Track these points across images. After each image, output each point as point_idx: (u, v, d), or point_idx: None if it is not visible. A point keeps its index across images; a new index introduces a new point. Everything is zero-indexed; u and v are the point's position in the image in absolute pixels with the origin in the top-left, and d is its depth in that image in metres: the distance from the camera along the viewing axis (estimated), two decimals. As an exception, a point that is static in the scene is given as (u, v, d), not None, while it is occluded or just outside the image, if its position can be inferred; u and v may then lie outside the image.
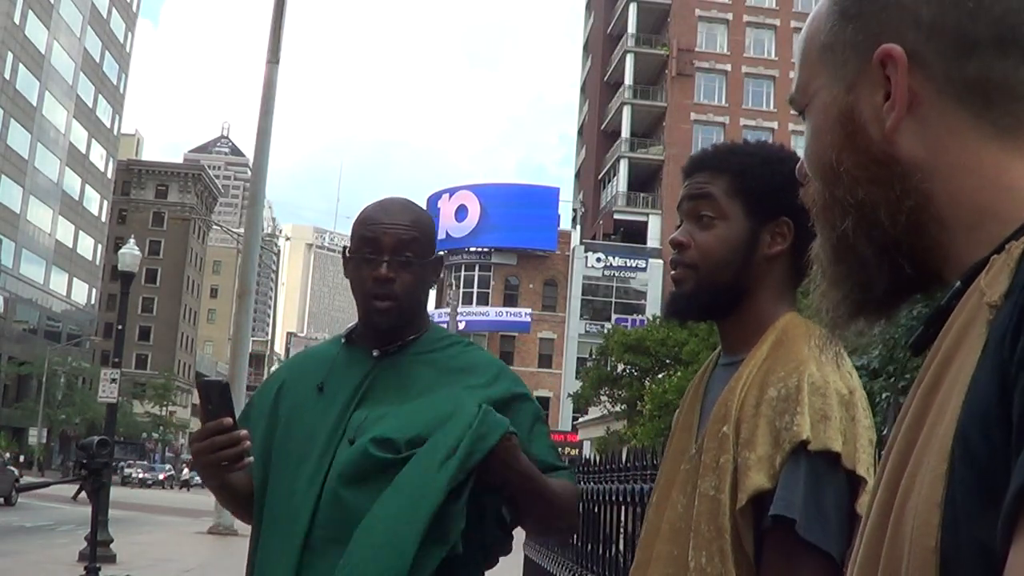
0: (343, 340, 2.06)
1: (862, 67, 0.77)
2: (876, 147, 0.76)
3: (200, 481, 2.21)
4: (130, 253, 16.61)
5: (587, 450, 38.28)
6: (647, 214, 55.66)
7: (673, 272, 1.62)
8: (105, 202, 78.89)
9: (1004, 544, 0.57)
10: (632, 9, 58.14)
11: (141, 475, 54.41)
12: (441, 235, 59.06)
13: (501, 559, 2.06)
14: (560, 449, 2.53)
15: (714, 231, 1.59)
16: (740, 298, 1.58)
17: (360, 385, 1.99)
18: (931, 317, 0.74)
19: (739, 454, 1.44)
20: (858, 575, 0.70)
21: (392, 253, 1.91)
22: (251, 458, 1.91)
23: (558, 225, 57.12)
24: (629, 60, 57.98)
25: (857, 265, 0.79)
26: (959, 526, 0.60)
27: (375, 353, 2.01)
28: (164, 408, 76.56)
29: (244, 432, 1.90)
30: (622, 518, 2.95)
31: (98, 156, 76.57)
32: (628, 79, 57.74)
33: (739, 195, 1.58)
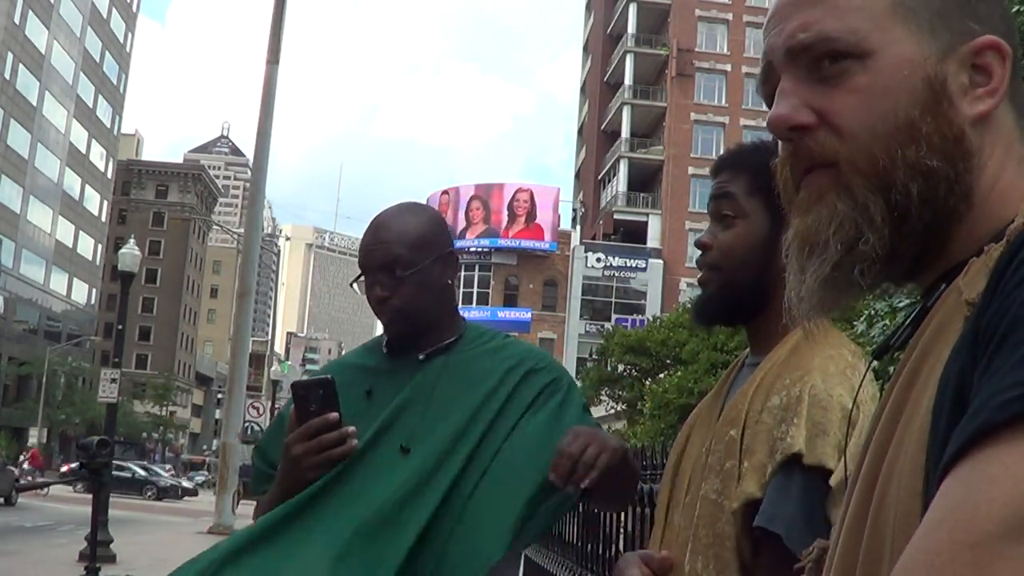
0: (384, 349, 2.04)
1: (954, 44, 0.76)
2: (958, 123, 0.75)
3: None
4: (130, 253, 16.61)
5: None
6: (647, 214, 55.66)
7: (700, 276, 1.62)
8: (105, 202, 78.88)
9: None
10: (632, 9, 58.14)
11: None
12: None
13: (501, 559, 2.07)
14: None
15: (734, 230, 1.57)
16: (765, 299, 1.55)
17: (412, 388, 1.96)
18: (916, 316, 0.75)
19: (741, 460, 1.43)
20: (838, 565, 0.70)
21: (380, 274, 1.95)
22: None
23: (558, 225, 57.18)
24: (629, 60, 57.98)
25: (908, 234, 0.76)
26: None
27: (420, 357, 1.99)
28: (164, 408, 76.55)
29: (352, 428, 1.82)
30: (622, 518, 2.95)
31: (98, 156, 76.57)
32: (628, 79, 57.75)
33: (759, 192, 1.55)
